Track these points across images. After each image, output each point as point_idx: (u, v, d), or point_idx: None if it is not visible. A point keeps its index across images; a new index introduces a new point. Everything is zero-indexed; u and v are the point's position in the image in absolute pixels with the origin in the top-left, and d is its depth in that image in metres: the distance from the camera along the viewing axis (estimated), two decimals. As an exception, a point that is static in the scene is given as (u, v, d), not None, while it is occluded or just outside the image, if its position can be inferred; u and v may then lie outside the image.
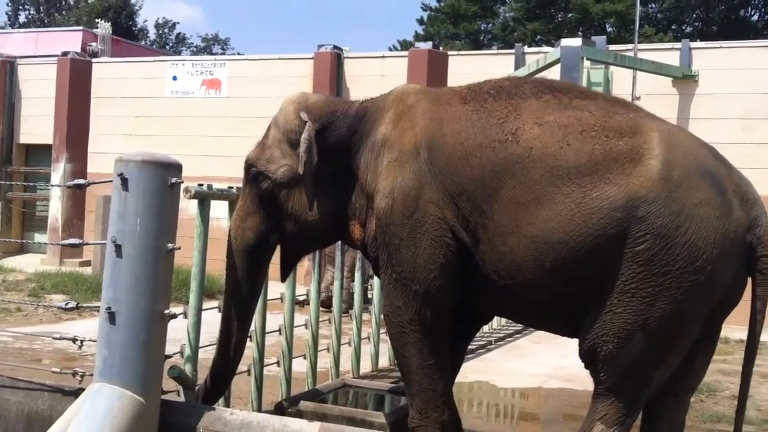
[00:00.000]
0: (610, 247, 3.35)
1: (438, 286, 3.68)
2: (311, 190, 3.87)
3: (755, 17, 28.82)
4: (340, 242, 5.62)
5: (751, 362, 3.55)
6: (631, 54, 10.88)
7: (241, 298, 4.10)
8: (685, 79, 10.75)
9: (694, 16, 28.89)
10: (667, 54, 11.05)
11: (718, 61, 10.82)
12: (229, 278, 4.11)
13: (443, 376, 3.87)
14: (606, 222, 3.36)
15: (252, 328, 4.65)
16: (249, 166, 4.10)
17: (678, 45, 11.24)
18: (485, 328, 8.24)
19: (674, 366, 3.47)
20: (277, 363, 4.99)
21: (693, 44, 11.19)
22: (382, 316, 6.20)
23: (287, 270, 4.30)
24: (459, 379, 6.23)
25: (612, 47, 11.59)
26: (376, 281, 6.19)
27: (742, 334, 8.63)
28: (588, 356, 3.49)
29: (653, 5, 28.33)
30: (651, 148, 3.42)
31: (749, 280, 3.49)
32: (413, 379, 3.85)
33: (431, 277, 3.67)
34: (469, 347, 7.37)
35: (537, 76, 11.03)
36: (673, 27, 28.22)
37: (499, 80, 3.97)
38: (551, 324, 3.88)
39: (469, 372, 6.56)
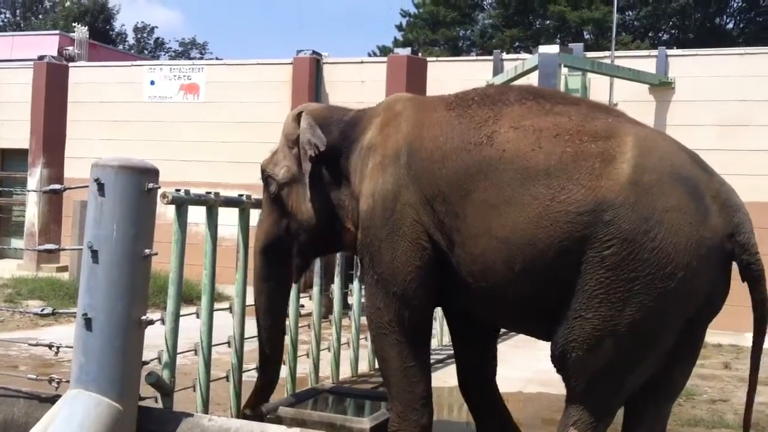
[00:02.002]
0: (578, 250, 3.34)
1: (416, 287, 3.74)
2: (308, 189, 4.02)
3: (731, 25, 29.14)
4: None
5: (757, 369, 3.56)
6: (608, 61, 10.96)
7: (265, 299, 4.34)
8: (661, 86, 10.85)
9: (671, 23, 29.15)
10: (644, 61, 11.15)
11: (694, 69, 10.93)
12: (254, 281, 4.37)
13: (423, 379, 3.92)
14: (573, 225, 3.35)
15: (230, 333, 4.64)
16: (261, 172, 4.36)
17: (655, 52, 11.35)
18: (464, 333, 8.24)
19: (648, 373, 3.43)
20: (256, 369, 4.96)
21: (669, 51, 11.30)
22: (361, 321, 6.20)
23: (297, 273, 4.44)
24: (438, 384, 6.25)
25: (589, 54, 11.69)
26: (355, 286, 6.19)
27: (720, 338, 8.73)
28: (559, 361, 3.49)
29: (630, 13, 28.56)
30: (623, 152, 3.41)
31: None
32: (393, 381, 3.90)
33: (408, 279, 3.73)
34: (449, 352, 7.40)
35: (516, 82, 11.09)
36: (649, 34, 28.45)
37: (486, 87, 4.09)
38: (528, 327, 3.92)
39: (448, 377, 6.55)
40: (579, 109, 3.70)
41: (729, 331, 9.50)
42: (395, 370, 3.88)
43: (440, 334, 7.74)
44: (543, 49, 10.24)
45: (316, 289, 5.72)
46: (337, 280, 5.96)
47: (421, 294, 3.76)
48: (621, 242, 3.29)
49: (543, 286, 3.47)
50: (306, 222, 4.12)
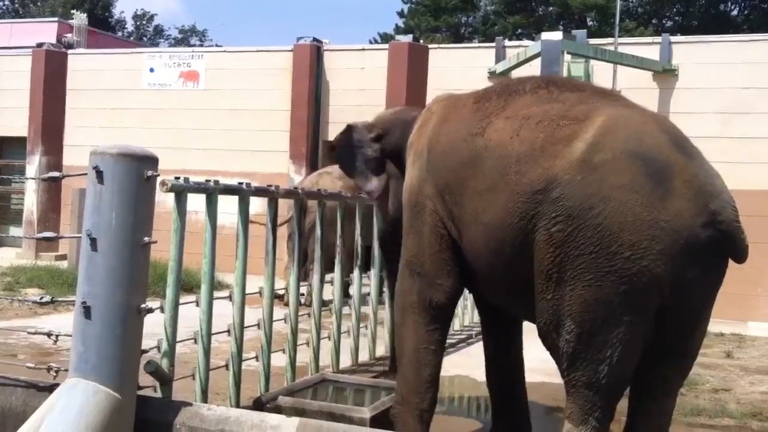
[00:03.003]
0: (534, 229, 3.42)
1: (437, 272, 3.99)
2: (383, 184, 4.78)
3: (735, 12, 29.05)
4: (318, 237, 5.61)
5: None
6: (611, 48, 10.89)
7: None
8: (665, 73, 10.78)
9: (675, 10, 29.05)
10: (648, 48, 11.07)
11: (697, 56, 10.86)
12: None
13: (432, 364, 4.08)
14: (529, 204, 3.44)
15: (230, 322, 4.61)
16: None
17: (658, 39, 11.26)
18: (466, 321, 8.24)
19: (628, 359, 3.31)
20: (256, 358, 4.95)
21: (673, 38, 11.22)
22: (361, 311, 6.18)
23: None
24: (442, 373, 6.23)
25: (592, 41, 11.59)
26: (355, 275, 6.16)
27: (722, 327, 8.71)
28: (545, 346, 3.54)
29: None
30: (585, 132, 3.42)
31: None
32: (404, 362, 4.11)
33: (430, 263, 3.99)
34: (450, 341, 7.40)
35: (518, 69, 11.04)
36: (653, 21, 28.36)
37: (512, 79, 4.39)
38: (521, 312, 4.01)
39: (450, 366, 6.53)
40: (580, 95, 3.71)
41: (731, 320, 9.50)
42: (408, 350, 4.07)
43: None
44: (546, 36, 10.16)
45: (315, 278, 5.69)
46: (337, 269, 5.93)
47: (443, 279, 3.99)
48: (566, 219, 3.31)
49: (517, 269, 3.55)
50: (392, 213, 4.84)
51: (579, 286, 3.28)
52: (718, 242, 3.22)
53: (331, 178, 9.73)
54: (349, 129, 4.90)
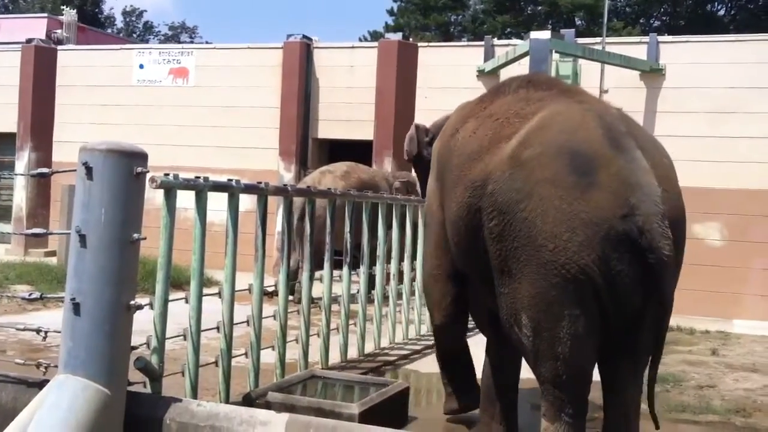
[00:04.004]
0: (480, 224, 3.61)
1: (432, 269, 4.65)
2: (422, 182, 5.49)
3: (722, 12, 29.18)
4: (308, 233, 5.63)
5: (657, 360, 3.49)
6: (599, 47, 10.93)
7: None
8: (652, 72, 10.84)
9: (662, 10, 29.17)
10: (635, 47, 11.13)
11: (685, 56, 10.92)
12: None
13: (450, 293, 4.60)
14: (473, 199, 3.66)
15: (219, 319, 4.63)
16: None
17: (646, 39, 11.31)
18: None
19: (578, 357, 3.32)
20: (245, 354, 4.97)
21: (660, 38, 11.27)
22: (350, 308, 6.20)
23: None
24: (427, 369, 6.27)
25: (580, 40, 11.65)
26: (344, 272, 6.19)
27: (707, 324, 8.78)
28: (513, 342, 3.64)
29: (621, -1, 28.56)
30: (521, 129, 3.58)
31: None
32: (434, 300, 4.75)
33: (437, 251, 4.53)
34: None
35: (507, 68, 11.07)
36: (641, 21, 28.47)
37: (508, 78, 4.36)
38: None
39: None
40: (544, 93, 3.90)
41: (716, 317, 9.59)
42: (436, 292, 4.68)
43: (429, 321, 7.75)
44: (534, 35, 10.20)
45: (305, 275, 5.71)
46: (326, 265, 5.95)
47: (439, 278, 4.62)
48: (499, 213, 3.45)
49: (476, 262, 3.77)
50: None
51: (524, 280, 3.35)
52: (637, 235, 3.19)
53: (332, 176, 9.79)
54: (415, 129, 5.99)
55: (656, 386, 5.86)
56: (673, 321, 9.12)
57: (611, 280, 3.24)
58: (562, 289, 3.25)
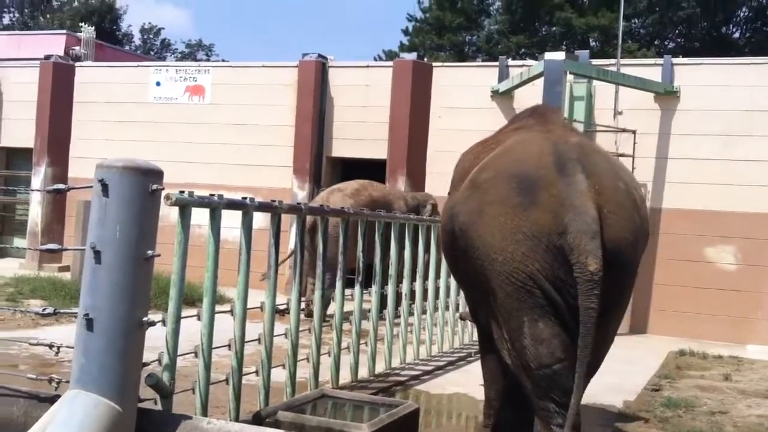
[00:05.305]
0: (457, 243, 4.05)
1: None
2: None
3: (737, 35, 29.13)
4: (321, 252, 5.65)
5: (582, 366, 3.52)
6: (614, 69, 10.94)
7: None
8: (667, 94, 10.84)
9: (677, 32, 29.14)
10: (650, 69, 11.13)
11: (699, 78, 10.91)
12: None
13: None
14: (447, 223, 4.22)
15: (231, 336, 4.64)
16: None
17: (660, 61, 11.31)
18: (465, 339, 8.26)
19: (547, 360, 3.62)
20: (256, 372, 4.98)
21: (675, 60, 11.27)
22: (362, 326, 6.20)
23: None
24: (437, 391, 6.26)
25: (595, 62, 11.65)
26: (356, 291, 6.19)
27: (720, 349, 8.72)
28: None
29: (636, 21, 28.54)
30: (487, 156, 4.11)
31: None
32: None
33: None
34: (449, 359, 7.42)
35: (521, 89, 11.09)
36: (655, 42, 28.45)
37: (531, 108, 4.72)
38: None
39: (448, 384, 6.56)
40: (524, 123, 4.40)
41: (729, 342, 9.52)
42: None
43: (440, 341, 7.74)
44: (549, 55, 10.21)
45: (317, 294, 5.72)
46: (338, 284, 5.96)
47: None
48: (462, 232, 3.95)
49: (463, 283, 4.45)
50: None
51: (494, 292, 3.78)
52: (568, 251, 3.52)
53: (341, 195, 9.79)
54: None
55: (668, 411, 5.87)
56: (686, 345, 9.13)
57: (559, 286, 3.59)
58: (517, 297, 3.65)
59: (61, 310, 4.38)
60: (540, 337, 3.62)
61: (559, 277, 3.57)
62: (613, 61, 11.50)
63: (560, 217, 3.55)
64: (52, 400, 3.78)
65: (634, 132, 10.69)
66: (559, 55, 10.14)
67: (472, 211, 3.86)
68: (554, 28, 28.05)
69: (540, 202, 3.61)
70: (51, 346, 4.06)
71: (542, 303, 3.61)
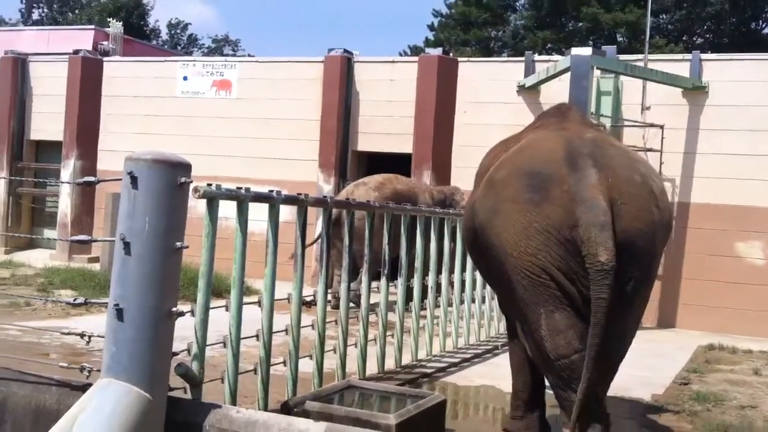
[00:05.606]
0: (478, 240, 4.19)
1: None
2: None
3: (766, 30, 28.77)
4: (347, 244, 5.67)
5: (592, 355, 3.56)
6: (641, 64, 10.87)
7: None
8: (695, 90, 10.74)
9: (705, 27, 28.84)
10: (678, 65, 11.02)
11: (728, 73, 10.80)
12: None
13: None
14: (468, 221, 4.38)
15: (259, 327, 4.68)
16: None
17: (688, 56, 11.20)
18: (492, 332, 8.26)
19: (561, 350, 3.70)
20: (284, 363, 5.01)
21: (703, 56, 11.16)
22: (388, 318, 6.23)
23: None
24: (464, 382, 6.27)
25: (622, 57, 11.57)
26: (382, 284, 6.21)
27: (750, 344, 8.64)
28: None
29: (664, 16, 28.29)
30: (504, 155, 4.22)
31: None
32: None
33: None
34: (476, 351, 7.43)
35: (547, 84, 11.05)
36: (684, 38, 28.17)
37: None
38: None
39: (476, 376, 6.57)
40: (543, 122, 4.51)
41: (759, 337, 9.44)
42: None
43: (466, 333, 7.75)
44: (575, 51, 10.15)
45: (343, 286, 5.75)
46: (364, 277, 5.98)
47: None
48: (481, 230, 4.08)
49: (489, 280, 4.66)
50: None
51: (513, 286, 3.88)
52: (580, 243, 3.60)
53: (366, 188, 9.81)
54: None
55: (698, 405, 5.85)
56: (715, 340, 9.06)
57: (573, 278, 3.67)
58: (533, 290, 3.75)
59: (92, 300, 4.45)
60: (557, 329, 3.72)
61: (573, 269, 3.65)
62: (640, 56, 11.41)
63: (571, 212, 3.64)
64: (83, 388, 3.83)
65: (662, 127, 10.62)
66: (586, 51, 10.08)
67: (488, 210, 3.99)
68: (581, 24, 27.87)
69: (551, 198, 3.70)
70: (82, 336, 4.12)
71: (557, 295, 3.70)
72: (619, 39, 26.70)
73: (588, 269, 3.55)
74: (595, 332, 3.54)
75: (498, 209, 3.91)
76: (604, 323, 3.52)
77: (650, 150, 10.38)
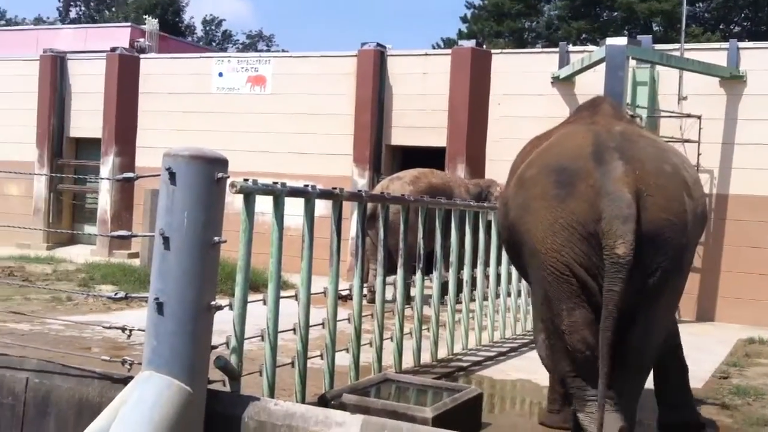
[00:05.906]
0: (511, 237, 4.29)
1: None
2: None
3: (806, 16, 28.25)
4: (382, 238, 5.69)
5: (605, 348, 3.60)
6: (677, 53, 10.73)
7: None
8: (732, 79, 10.58)
9: (743, 15, 28.41)
10: (715, 54, 10.87)
11: (766, 62, 10.63)
12: None
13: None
14: (502, 218, 4.50)
15: (296, 321, 4.73)
16: None
17: (725, 45, 11.04)
18: (528, 326, 8.25)
19: (579, 346, 3.78)
20: (321, 356, 5.05)
21: (741, 44, 10.99)
22: (423, 312, 6.25)
23: None
24: (500, 376, 6.27)
25: (658, 46, 11.44)
26: (417, 277, 6.23)
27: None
28: None
29: (701, 4, 27.94)
30: (534, 152, 4.26)
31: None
32: None
33: None
34: (512, 345, 7.42)
35: (582, 75, 10.96)
36: (720, 27, 27.79)
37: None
38: None
39: (512, 370, 6.57)
40: (575, 117, 4.56)
41: (800, 330, 9.29)
42: None
43: (502, 327, 7.74)
44: (610, 41, 10.06)
45: (379, 279, 5.77)
46: (400, 271, 6.00)
47: None
48: (513, 227, 4.17)
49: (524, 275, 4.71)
50: None
51: (541, 282, 3.96)
52: (602, 236, 3.62)
53: (401, 183, 9.82)
54: None
55: (737, 399, 5.79)
56: (755, 333, 8.94)
57: (595, 273, 3.71)
58: (557, 286, 3.82)
59: (133, 295, 4.53)
60: (576, 324, 3.79)
61: (595, 264, 3.71)
62: (676, 45, 11.26)
63: (596, 205, 3.67)
64: (125, 381, 3.92)
65: (699, 117, 10.49)
66: (621, 41, 9.99)
67: (519, 206, 4.07)
68: (615, 14, 27.62)
69: (577, 193, 3.74)
70: (123, 329, 4.20)
71: (578, 292, 3.77)
72: (655, 28, 26.43)
73: (605, 261, 3.60)
74: (606, 325, 3.59)
75: (528, 206, 3.97)
76: (616, 315, 3.58)
77: (688, 141, 10.26)
